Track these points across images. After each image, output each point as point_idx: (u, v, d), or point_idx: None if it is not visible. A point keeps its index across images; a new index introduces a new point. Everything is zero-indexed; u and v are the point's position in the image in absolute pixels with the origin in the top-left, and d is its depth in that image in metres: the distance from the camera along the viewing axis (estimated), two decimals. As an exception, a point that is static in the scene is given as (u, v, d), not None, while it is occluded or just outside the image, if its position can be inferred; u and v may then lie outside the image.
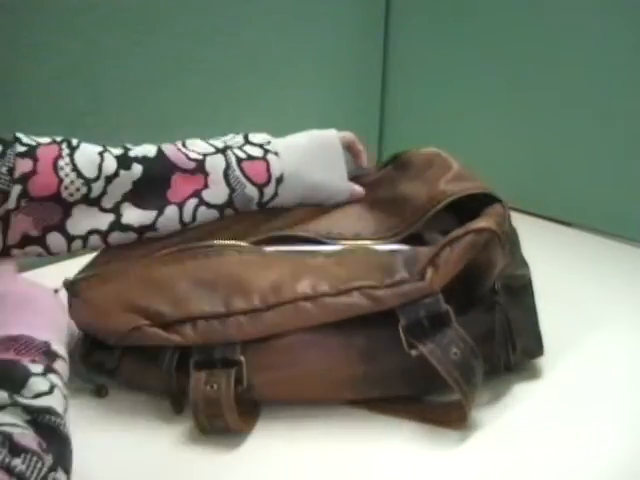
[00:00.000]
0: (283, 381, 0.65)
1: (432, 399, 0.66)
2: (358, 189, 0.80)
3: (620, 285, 0.94)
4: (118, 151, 0.70)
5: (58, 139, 0.70)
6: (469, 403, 0.64)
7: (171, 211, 0.71)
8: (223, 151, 0.73)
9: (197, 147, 0.73)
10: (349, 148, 0.82)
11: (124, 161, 0.69)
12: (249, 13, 1.10)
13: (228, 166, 0.72)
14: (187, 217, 0.71)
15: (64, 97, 0.94)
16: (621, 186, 1.08)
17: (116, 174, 0.69)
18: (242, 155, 0.74)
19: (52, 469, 0.47)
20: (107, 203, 0.69)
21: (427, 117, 1.31)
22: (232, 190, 0.72)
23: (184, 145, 0.73)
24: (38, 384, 0.51)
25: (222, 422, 0.62)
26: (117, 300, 0.67)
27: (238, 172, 0.72)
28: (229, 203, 0.73)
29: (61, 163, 0.67)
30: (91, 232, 0.69)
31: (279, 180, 0.74)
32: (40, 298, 0.61)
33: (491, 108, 1.22)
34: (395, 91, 1.34)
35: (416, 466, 0.62)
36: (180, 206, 0.71)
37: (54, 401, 0.51)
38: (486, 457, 0.63)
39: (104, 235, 0.70)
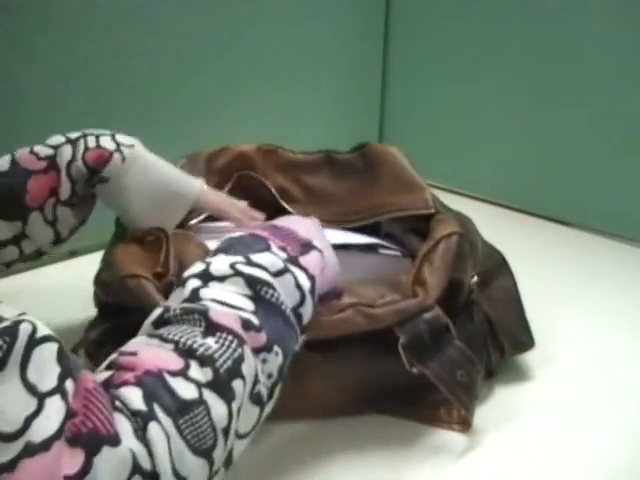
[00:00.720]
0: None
1: (433, 399, 0.65)
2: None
3: (620, 285, 0.94)
4: None
5: None
6: (471, 415, 0.65)
7: (34, 218, 0.69)
8: (76, 140, 0.71)
9: (52, 140, 0.71)
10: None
11: None
12: (249, 13, 1.10)
13: (73, 157, 0.69)
14: (49, 217, 0.70)
15: (64, 97, 0.94)
16: (621, 186, 1.08)
17: None
18: (92, 144, 0.71)
19: (264, 349, 0.47)
20: None
21: (427, 117, 1.31)
22: (73, 182, 0.70)
23: (44, 143, 0.71)
24: (271, 260, 0.51)
25: None
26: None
27: (80, 162, 0.69)
28: (74, 194, 0.70)
29: None
30: None
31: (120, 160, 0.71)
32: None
33: (491, 108, 1.22)
34: (395, 91, 1.34)
35: (416, 466, 0.63)
36: (41, 209, 0.69)
37: (278, 284, 0.50)
38: (486, 457, 0.64)
39: None
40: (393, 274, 0.68)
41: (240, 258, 0.51)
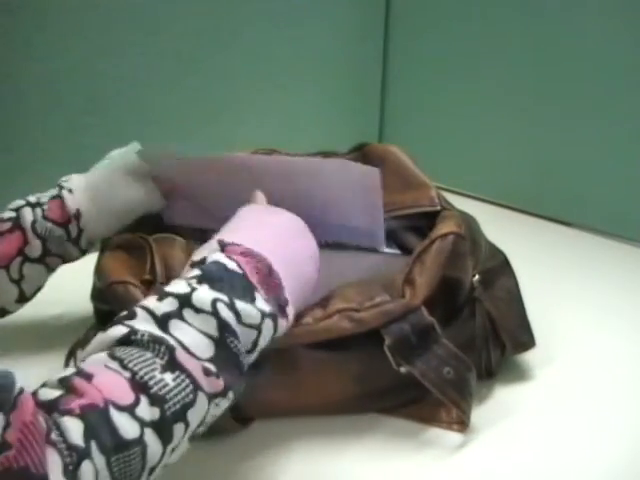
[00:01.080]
0: (272, 402, 0.65)
1: (432, 398, 0.65)
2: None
3: (620, 285, 0.94)
4: None
5: None
6: (467, 415, 0.65)
7: (1, 276, 0.71)
8: (36, 204, 0.72)
9: (13, 204, 0.73)
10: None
11: None
12: (249, 13, 1.10)
13: (35, 219, 0.71)
14: (15, 275, 0.71)
15: (63, 97, 0.94)
16: (621, 186, 1.08)
17: None
18: (44, 199, 0.73)
19: (220, 394, 0.48)
20: None
21: (427, 117, 1.31)
22: (44, 239, 0.71)
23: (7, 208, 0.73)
24: (251, 314, 0.51)
25: (215, 423, 0.62)
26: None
27: (41, 220, 0.71)
28: (47, 252, 0.72)
29: None
30: None
31: (77, 216, 0.72)
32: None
33: (491, 108, 1.21)
34: (395, 91, 1.34)
35: (415, 466, 0.62)
36: (7, 268, 0.71)
37: (242, 334, 0.50)
38: (485, 457, 0.64)
39: None
40: (389, 273, 0.68)
41: (224, 298, 0.50)
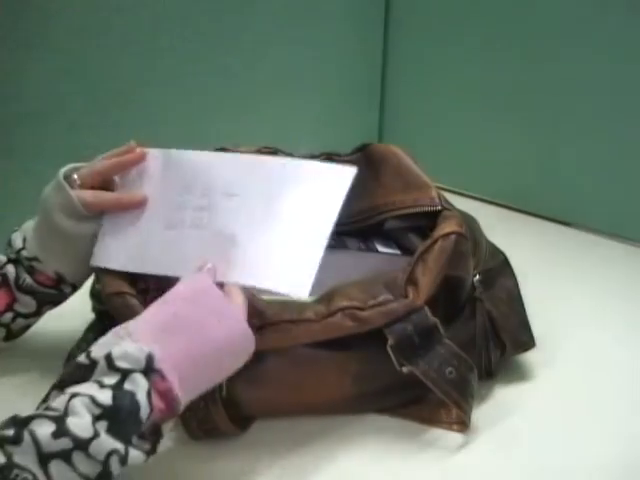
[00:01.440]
0: (272, 400, 0.65)
1: (432, 398, 0.65)
2: None
3: (620, 285, 0.94)
4: None
5: None
6: (468, 415, 0.65)
7: None
8: (15, 260, 0.70)
9: None
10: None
11: None
12: (249, 14, 1.10)
13: (18, 276, 0.70)
14: (5, 321, 0.70)
15: (64, 97, 0.94)
16: (621, 186, 1.08)
17: None
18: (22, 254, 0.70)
19: None
20: None
21: (427, 117, 1.31)
22: (33, 293, 0.70)
23: None
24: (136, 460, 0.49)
25: (213, 426, 0.62)
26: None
27: (29, 282, 0.69)
28: (43, 303, 0.71)
29: None
30: None
31: (60, 278, 0.70)
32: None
33: (491, 108, 1.21)
34: (395, 91, 1.34)
35: (415, 466, 0.63)
36: None
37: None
38: (485, 457, 0.64)
39: None
40: (390, 273, 0.68)
41: (121, 449, 0.47)
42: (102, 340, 0.53)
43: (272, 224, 0.64)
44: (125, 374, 0.49)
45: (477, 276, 0.70)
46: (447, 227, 0.68)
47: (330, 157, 0.82)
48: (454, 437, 0.65)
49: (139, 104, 1.01)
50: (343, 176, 0.65)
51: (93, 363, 0.50)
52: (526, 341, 0.73)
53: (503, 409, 0.69)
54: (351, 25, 1.25)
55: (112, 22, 0.96)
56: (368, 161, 0.79)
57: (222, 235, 0.64)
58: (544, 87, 1.14)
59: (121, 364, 0.50)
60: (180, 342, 0.53)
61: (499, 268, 0.75)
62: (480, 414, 0.67)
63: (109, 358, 0.50)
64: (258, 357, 0.58)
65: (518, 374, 0.74)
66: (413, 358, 0.62)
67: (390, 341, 0.62)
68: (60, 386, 0.50)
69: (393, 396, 0.68)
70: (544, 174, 1.17)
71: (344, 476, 0.61)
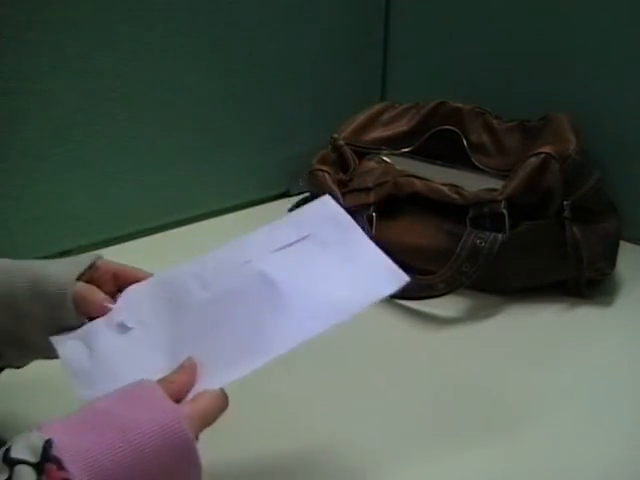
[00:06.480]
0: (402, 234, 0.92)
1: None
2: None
3: (620, 285, 0.93)
4: None
5: None
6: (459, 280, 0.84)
7: None
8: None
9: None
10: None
11: None
12: (246, 10, 1.09)
13: None
14: None
15: (58, 93, 0.93)
16: (620, 186, 1.07)
17: None
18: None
19: None
20: None
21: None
22: None
23: None
24: None
25: None
26: None
27: None
28: None
29: None
30: None
31: None
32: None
33: (490, 108, 1.21)
34: (395, 91, 1.34)
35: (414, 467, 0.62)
36: None
37: None
38: (485, 457, 0.63)
39: None
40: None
41: None
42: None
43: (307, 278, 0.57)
44: (13, 467, 0.44)
45: (568, 200, 0.86)
46: (544, 148, 0.86)
47: (522, 123, 1.03)
48: (454, 438, 0.65)
49: (133, 101, 1.00)
50: (396, 278, 0.57)
51: None
52: (603, 268, 0.88)
53: (503, 409, 0.69)
54: (351, 25, 1.25)
55: (105, 18, 0.95)
56: (546, 126, 0.98)
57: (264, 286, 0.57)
58: (545, 87, 1.13)
59: (16, 455, 0.45)
60: (100, 437, 0.46)
61: (602, 212, 0.91)
62: (480, 413, 0.68)
63: (7, 450, 0.45)
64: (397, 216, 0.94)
65: (518, 374, 0.75)
66: (479, 232, 0.85)
67: (470, 213, 0.86)
68: None
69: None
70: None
71: (344, 475, 0.61)
